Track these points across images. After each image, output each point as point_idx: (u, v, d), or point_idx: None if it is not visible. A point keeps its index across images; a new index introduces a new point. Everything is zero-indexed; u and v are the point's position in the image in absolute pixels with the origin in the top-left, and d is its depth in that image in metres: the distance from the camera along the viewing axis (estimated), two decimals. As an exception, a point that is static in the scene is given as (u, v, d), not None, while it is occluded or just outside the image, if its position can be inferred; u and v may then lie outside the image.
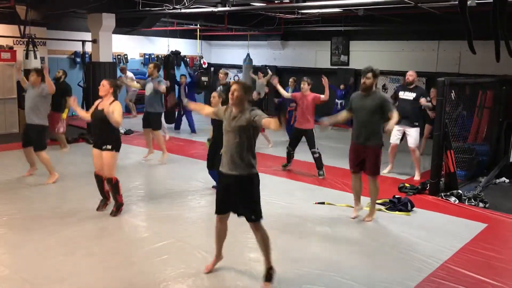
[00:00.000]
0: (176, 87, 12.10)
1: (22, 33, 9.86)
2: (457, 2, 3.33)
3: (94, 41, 10.61)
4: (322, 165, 7.69)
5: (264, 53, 15.88)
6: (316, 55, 14.86)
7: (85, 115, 5.75)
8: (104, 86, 5.52)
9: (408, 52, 12.75)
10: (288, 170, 8.04)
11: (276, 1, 9.52)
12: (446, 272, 4.36)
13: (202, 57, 16.54)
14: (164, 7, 9.25)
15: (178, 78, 12.09)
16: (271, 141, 10.06)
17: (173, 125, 12.25)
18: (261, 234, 3.90)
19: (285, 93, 8.28)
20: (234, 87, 3.82)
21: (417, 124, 7.52)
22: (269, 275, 3.95)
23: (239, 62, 15.34)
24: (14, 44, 11.19)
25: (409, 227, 5.53)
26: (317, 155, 7.64)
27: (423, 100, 7.53)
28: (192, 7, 9.07)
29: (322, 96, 7.53)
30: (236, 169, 3.80)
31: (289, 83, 10.63)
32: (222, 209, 3.99)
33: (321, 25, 13.16)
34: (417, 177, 7.60)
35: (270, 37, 15.47)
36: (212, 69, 16.95)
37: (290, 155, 8.03)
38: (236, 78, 16.29)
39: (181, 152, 9.41)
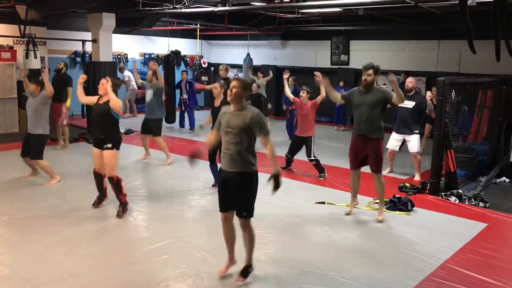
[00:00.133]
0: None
1: (22, 32, 9.86)
2: (457, 2, 3.33)
3: (94, 40, 10.61)
4: (322, 169, 7.67)
5: (264, 53, 15.88)
6: (316, 54, 14.86)
7: (87, 100, 5.81)
8: (103, 85, 5.54)
9: (408, 52, 12.75)
10: (288, 170, 8.03)
11: (276, 1, 9.52)
12: (447, 271, 4.36)
13: (202, 57, 16.55)
14: (164, 7, 9.25)
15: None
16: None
17: (172, 125, 12.28)
18: (249, 231, 3.92)
19: (288, 92, 8.26)
20: (233, 83, 3.81)
21: (416, 131, 7.48)
22: (246, 272, 4.01)
23: (239, 61, 15.34)
24: (14, 43, 11.19)
25: (409, 227, 5.53)
26: (314, 162, 7.64)
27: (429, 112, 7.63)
28: (192, 7, 9.07)
29: (318, 98, 7.46)
30: (235, 167, 3.80)
31: (289, 82, 10.61)
32: (224, 207, 3.98)
33: (321, 24, 13.17)
34: (417, 178, 7.60)
35: (270, 37, 15.46)
36: (212, 68, 16.96)
37: (289, 160, 8.02)
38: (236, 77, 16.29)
39: (181, 151, 9.40)
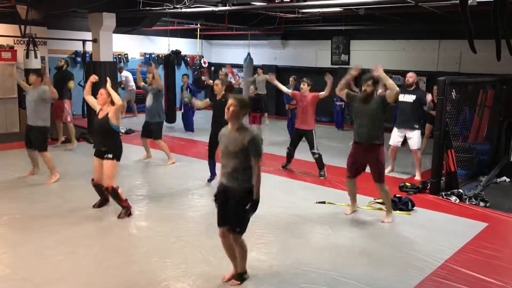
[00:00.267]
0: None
1: (22, 32, 9.87)
2: (457, 1, 3.32)
3: (95, 40, 10.61)
4: (323, 165, 7.68)
5: (264, 53, 15.86)
6: (317, 54, 14.84)
7: (91, 100, 5.83)
8: (102, 95, 5.51)
9: (408, 51, 12.73)
10: (288, 170, 8.03)
11: (276, 1, 9.51)
12: (447, 271, 4.36)
13: (203, 57, 16.54)
14: (165, 7, 9.24)
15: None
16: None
17: (173, 125, 12.27)
18: (240, 247, 3.91)
19: (285, 89, 8.25)
20: (230, 101, 3.79)
21: (417, 127, 7.49)
22: (241, 277, 4.03)
23: (240, 61, 15.32)
24: (15, 43, 11.18)
25: (409, 227, 5.53)
26: (316, 155, 7.63)
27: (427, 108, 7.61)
28: (192, 7, 9.06)
29: (321, 93, 7.52)
30: (234, 184, 3.79)
31: (290, 82, 10.63)
32: (220, 222, 3.95)
33: (321, 24, 13.14)
34: (417, 177, 7.60)
35: (271, 37, 15.45)
36: (212, 68, 16.94)
37: (290, 155, 8.02)
38: (237, 77, 16.29)
39: (182, 151, 9.41)
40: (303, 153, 8.23)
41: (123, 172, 6.95)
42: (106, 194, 5.73)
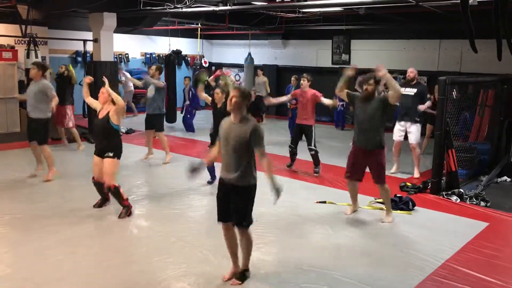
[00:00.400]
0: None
1: (23, 32, 9.88)
2: (458, 1, 3.32)
3: (95, 40, 10.61)
4: (318, 162, 7.69)
5: (265, 52, 15.86)
6: (317, 54, 14.84)
7: (92, 101, 5.83)
8: (104, 93, 5.52)
9: (409, 51, 12.72)
10: (290, 169, 8.02)
11: (277, 0, 9.51)
12: (448, 271, 4.36)
13: (203, 56, 16.55)
14: (165, 6, 9.25)
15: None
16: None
17: (173, 125, 12.27)
18: (246, 238, 3.93)
19: (284, 98, 8.32)
20: (232, 93, 3.80)
21: (418, 120, 7.55)
22: (243, 276, 4.02)
23: (241, 61, 15.33)
24: (16, 43, 11.20)
25: (410, 226, 5.53)
26: (313, 152, 7.64)
27: (422, 107, 7.55)
28: (193, 6, 9.07)
29: (323, 99, 7.49)
30: (235, 178, 3.78)
31: (292, 81, 10.66)
32: (223, 217, 3.95)
33: (322, 24, 13.15)
34: (416, 175, 7.61)
35: (271, 36, 15.45)
36: (213, 68, 16.95)
37: (293, 153, 8.02)
38: (237, 77, 16.29)
39: (182, 151, 9.41)
40: (304, 153, 8.22)
41: (123, 172, 6.94)
42: (107, 193, 5.73)
